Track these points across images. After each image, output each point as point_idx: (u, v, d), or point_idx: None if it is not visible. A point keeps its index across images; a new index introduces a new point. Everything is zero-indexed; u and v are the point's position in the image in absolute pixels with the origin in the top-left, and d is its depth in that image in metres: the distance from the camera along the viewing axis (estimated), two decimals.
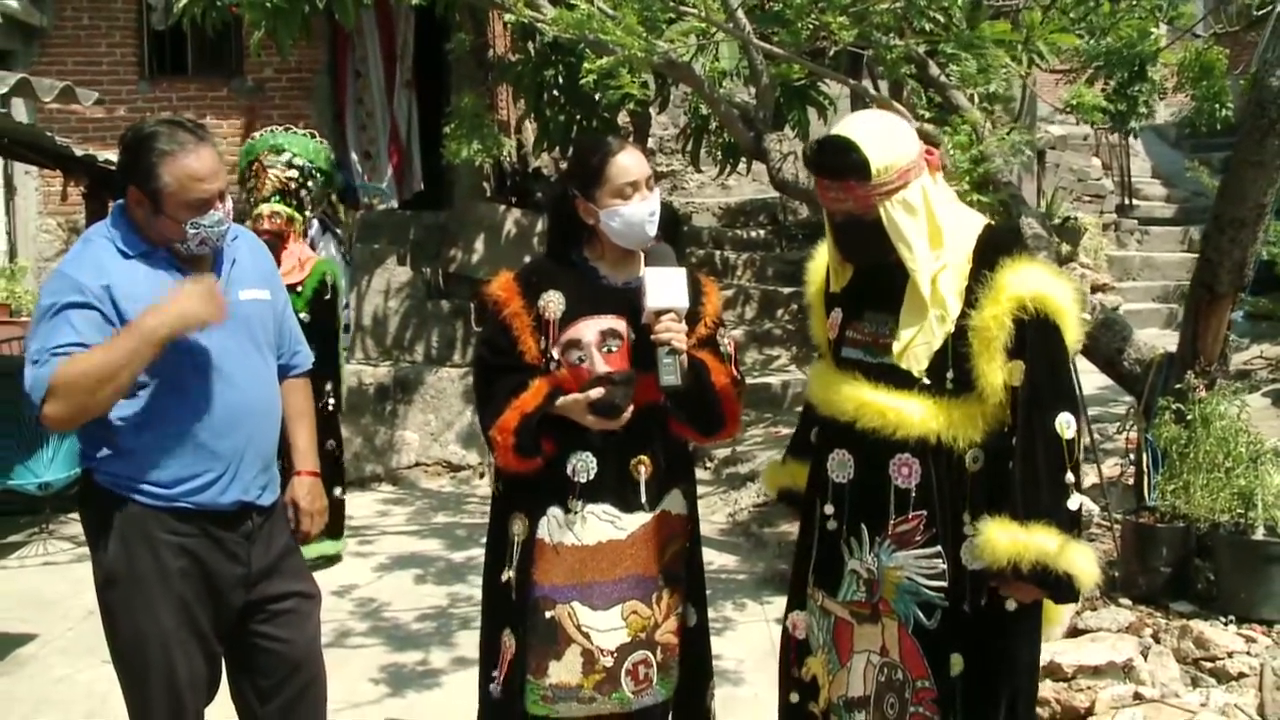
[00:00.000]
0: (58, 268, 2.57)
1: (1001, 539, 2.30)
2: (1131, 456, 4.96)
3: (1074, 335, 2.38)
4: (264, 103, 9.84)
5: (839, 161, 2.35)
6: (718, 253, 10.78)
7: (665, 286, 2.61)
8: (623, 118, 9.13)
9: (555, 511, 2.67)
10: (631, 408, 2.62)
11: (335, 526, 5.63)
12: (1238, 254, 4.68)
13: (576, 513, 2.65)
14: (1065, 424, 2.35)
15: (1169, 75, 6.61)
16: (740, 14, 5.38)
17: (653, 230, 2.69)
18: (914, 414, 2.37)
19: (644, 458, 2.70)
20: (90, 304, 2.50)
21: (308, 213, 5.46)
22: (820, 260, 2.69)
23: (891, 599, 2.46)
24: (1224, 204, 4.75)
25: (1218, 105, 6.99)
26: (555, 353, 2.66)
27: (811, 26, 4.98)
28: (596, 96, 6.95)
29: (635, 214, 2.66)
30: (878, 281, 2.45)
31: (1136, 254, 12.05)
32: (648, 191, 2.68)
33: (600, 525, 2.66)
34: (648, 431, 2.69)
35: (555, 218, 2.85)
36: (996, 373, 2.33)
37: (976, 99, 5.51)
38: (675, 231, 5.62)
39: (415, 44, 9.98)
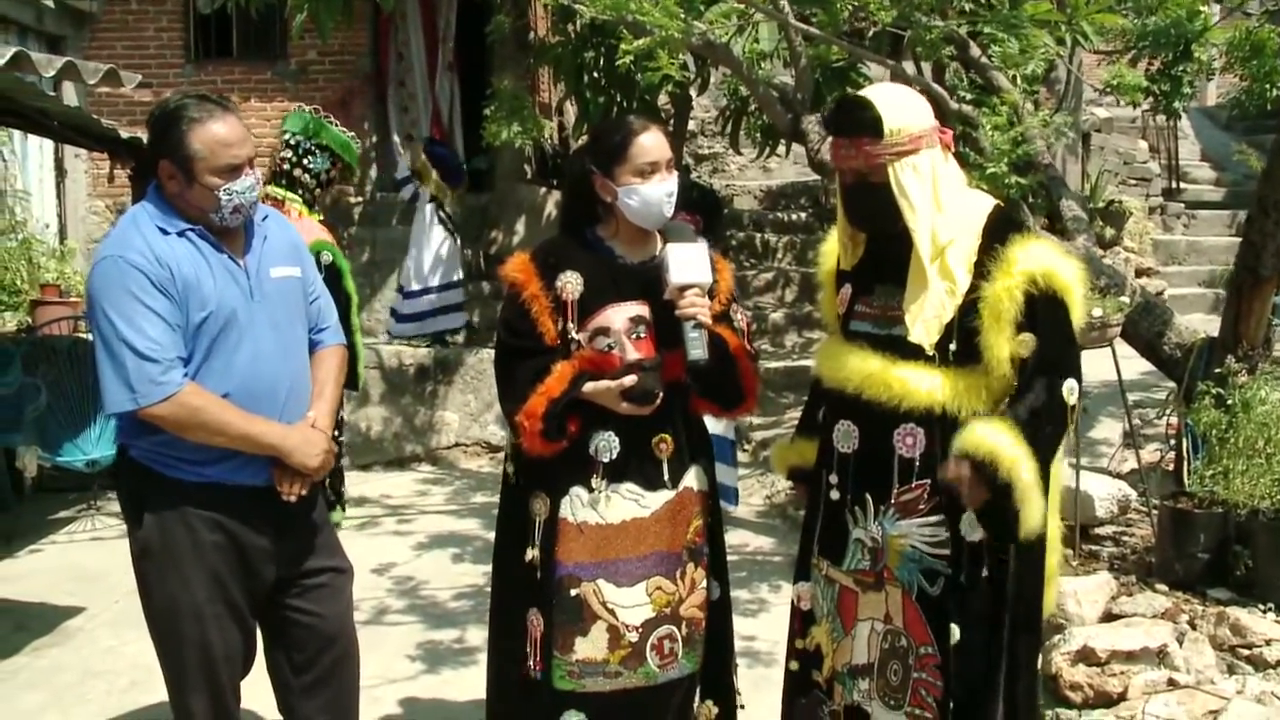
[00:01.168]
0: (105, 251, 2.57)
1: (977, 429, 2.33)
2: (1172, 442, 4.91)
3: (1079, 312, 2.42)
4: (307, 85, 9.91)
5: (854, 118, 2.42)
6: (758, 235, 10.75)
7: (688, 262, 2.63)
8: (663, 99, 9.10)
9: (578, 491, 2.69)
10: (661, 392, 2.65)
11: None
12: None
13: (601, 492, 2.67)
14: (1070, 389, 2.39)
15: (1217, 55, 6.46)
16: None
17: (669, 212, 2.71)
18: (919, 384, 2.41)
19: (665, 435, 2.72)
20: (156, 283, 2.53)
21: (316, 191, 5.31)
22: (832, 242, 2.72)
23: (895, 567, 2.49)
24: (1268, 187, 4.68)
25: (1268, 86, 6.82)
26: (582, 338, 2.67)
27: (850, 8, 4.95)
28: (636, 78, 6.94)
29: (653, 194, 2.67)
30: (888, 256, 2.48)
31: (1183, 238, 11.86)
32: (667, 174, 2.69)
33: (624, 504, 2.68)
34: (669, 409, 2.71)
35: (572, 193, 2.87)
36: (1004, 345, 2.37)
37: (1018, 80, 5.45)
38: (716, 215, 5.61)
39: (457, 26, 10.00)
